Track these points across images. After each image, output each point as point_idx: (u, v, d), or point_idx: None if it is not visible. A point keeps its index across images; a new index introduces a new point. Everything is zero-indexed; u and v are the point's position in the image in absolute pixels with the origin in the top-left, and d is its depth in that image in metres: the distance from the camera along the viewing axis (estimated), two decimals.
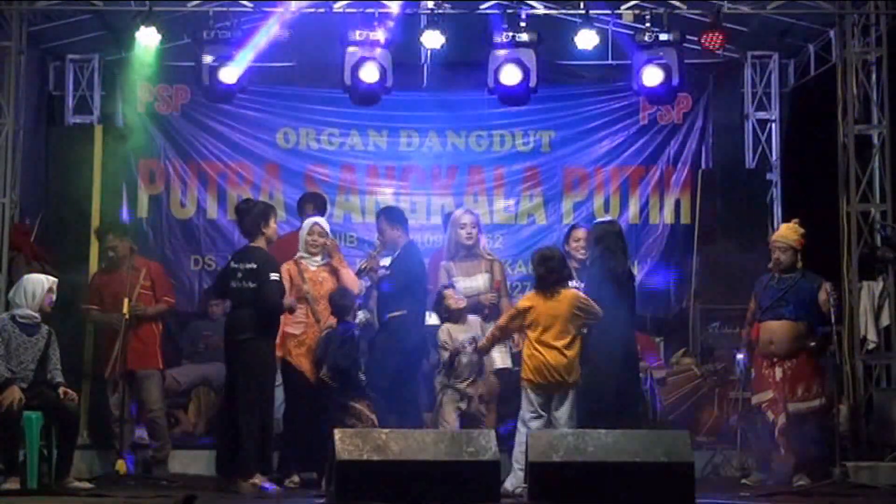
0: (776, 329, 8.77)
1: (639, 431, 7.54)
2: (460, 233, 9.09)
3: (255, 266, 8.38)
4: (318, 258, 8.97)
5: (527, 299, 8.31)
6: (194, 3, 10.29)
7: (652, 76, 10.06)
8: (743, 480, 8.89)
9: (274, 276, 8.38)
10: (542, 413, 8.05)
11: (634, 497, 6.97)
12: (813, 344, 8.75)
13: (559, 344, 8.04)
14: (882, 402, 9.61)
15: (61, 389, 8.18)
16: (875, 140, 10.16)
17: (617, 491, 6.97)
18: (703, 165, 11.70)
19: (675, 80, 10.07)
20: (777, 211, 11.59)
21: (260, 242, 8.55)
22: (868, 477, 8.71)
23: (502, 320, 8.40)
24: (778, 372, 8.73)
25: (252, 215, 8.61)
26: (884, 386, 9.87)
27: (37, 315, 8.24)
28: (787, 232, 8.99)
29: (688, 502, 6.99)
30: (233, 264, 8.58)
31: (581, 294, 8.24)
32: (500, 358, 9.03)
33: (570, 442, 7.16)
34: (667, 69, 10.01)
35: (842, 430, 9.29)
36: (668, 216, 11.75)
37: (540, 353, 8.04)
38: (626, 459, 7.07)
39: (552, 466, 7.07)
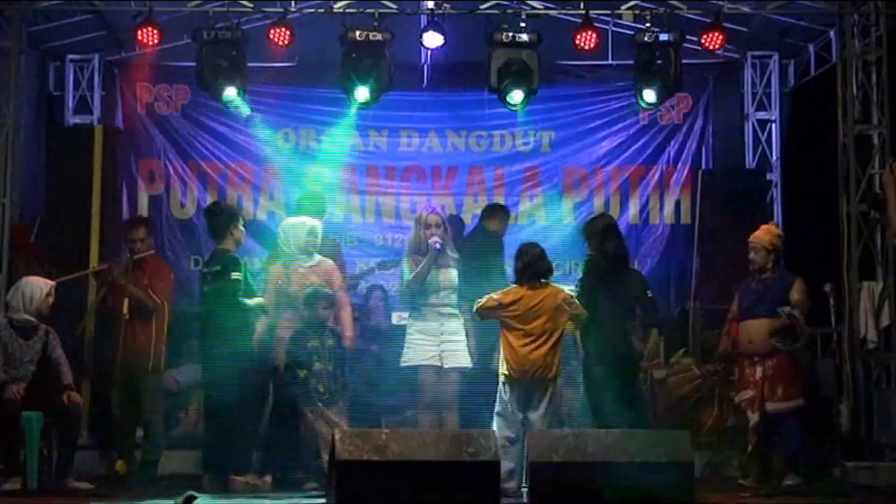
0: (753, 328, 8.79)
1: (639, 431, 7.53)
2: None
3: (219, 268, 8.44)
4: (312, 259, 8.86)
5: (510, 293, 8.23)
6: (194, 3, 10.29)
7: None
8: (739, 481, 8.88)
9: (236, 275, 8.38)
10: (518, 411, 8.03)
11: (634, 497, 6.97)
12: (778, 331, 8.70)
13: (542, 338, 8.04)
14: (882, 402, 9.61)
15: (68, 393, 8.16)
16: (875, 140, 10.15)
17: (616, 491, 6.97)
18: (704, 166, 11.69)
19: None
20: (777, 211, 11.59)
21: (228, 244, 8.57)
22: (868, 477, 8.73)
23: (484, 304, 8.21)
24: (758, 371, 8.73)
25: (222, 217, 8.65)
26: (884, 386, 9.87)
27: (33, 319, 8.23)
28: (760, 233, 9.00)
29: (688, 502, 6.99)
30: (203, 269, 8.67)
31: (566, 291, 8.25)
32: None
33: (570, 442, 7.16)
34: None
35: (842, 430, 9.29)
36: (668, 216, 11.74)
37: (522, 347, 8.04)
38: (626, 459, 7.07)
39: (552, 466, 7.08)
